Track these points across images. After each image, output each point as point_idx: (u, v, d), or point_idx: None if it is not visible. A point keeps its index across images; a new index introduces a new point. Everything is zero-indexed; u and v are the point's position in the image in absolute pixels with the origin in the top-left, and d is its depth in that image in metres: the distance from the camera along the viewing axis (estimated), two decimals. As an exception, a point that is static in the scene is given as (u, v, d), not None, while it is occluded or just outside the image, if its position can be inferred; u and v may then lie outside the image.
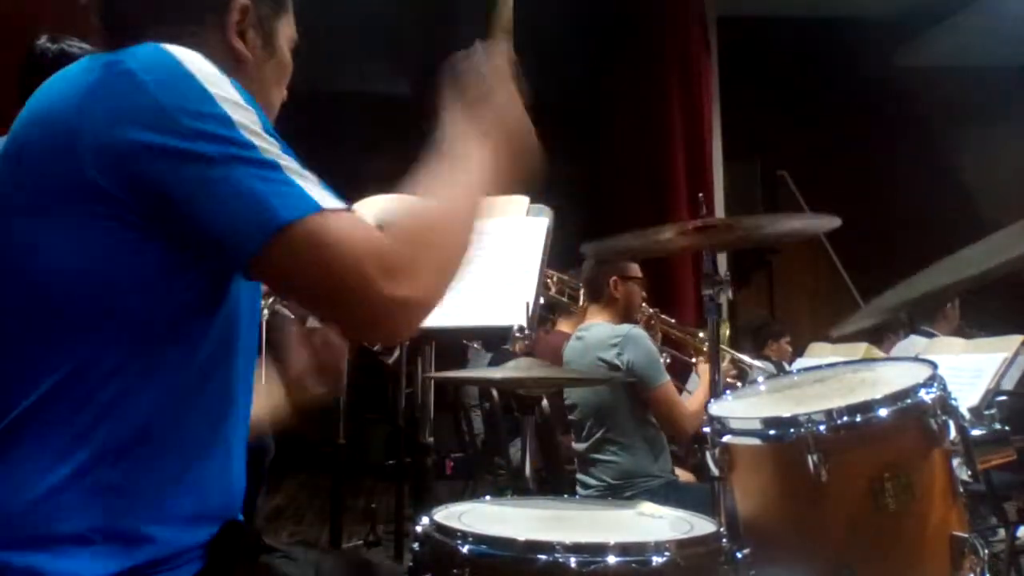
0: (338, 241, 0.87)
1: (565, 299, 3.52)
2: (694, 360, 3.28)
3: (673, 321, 3.47)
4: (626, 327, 2.87)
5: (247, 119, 0.91)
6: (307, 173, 0.92)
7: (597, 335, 2.88)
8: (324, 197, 0.90)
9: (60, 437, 0.89)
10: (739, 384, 3.81)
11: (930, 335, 3.86)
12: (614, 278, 2.99)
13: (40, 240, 0.91)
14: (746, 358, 3.61)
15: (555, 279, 3.43)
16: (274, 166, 0.89)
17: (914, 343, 3.73)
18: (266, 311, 4.23)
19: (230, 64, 1.05)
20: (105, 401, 0.90)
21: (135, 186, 0.88)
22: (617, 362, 2.76)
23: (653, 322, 3.24)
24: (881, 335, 4.01)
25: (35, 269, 0.91)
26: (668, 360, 3.07)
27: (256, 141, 0.89)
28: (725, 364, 3.57)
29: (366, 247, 0.88)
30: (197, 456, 0.97)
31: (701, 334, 3.37)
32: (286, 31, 1.14)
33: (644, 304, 3.19)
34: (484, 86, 1.15)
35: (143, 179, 0.88)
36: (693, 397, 2.90)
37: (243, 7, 1.07)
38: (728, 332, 3.41)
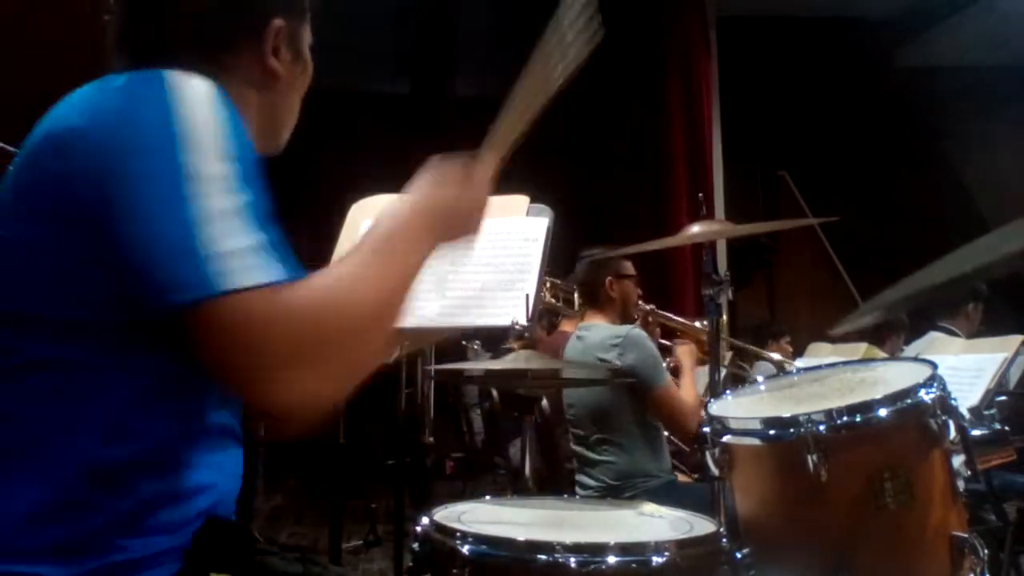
0: (236, 326, 0.84)
1: (560, 303, 3.52)
2: (671, 342, 3.24)
3: (670, 315, 3.46)
4: (626, 328, 2.87)
5: (211, 170, 0.88)
6: (249, 235, 0.87)
7: (597, 336, 2.88)
8: (238, 269, 0.85)
9: (35, 448, 0.89)
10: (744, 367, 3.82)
11: (952, 332, 3.85)
12: (609, 278, 2.99)
13: (27, 242, 0.92)
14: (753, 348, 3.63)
15: (548, 286, 3.43)
16: (199, 237, 0.85)
17: (934, 340, 3.72)
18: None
19: (264, 83, 1.08)
20: (82, 409, 0.90)
21: (93, 206, 0.88)
22: (618, 363, 2.76)
23: (651, 318, 3.23)
24: (882, 335, 4.00)
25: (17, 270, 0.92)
26: (671, 364, 3.06)
27: (197, 203, 0.86)
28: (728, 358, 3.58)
29: (265, 336, 0.85)
30: (179, 464, 0.97)
31: (698, 324, 3.37)
32: (307, 37, 1.16)
33: (640, 301, 3.18)
34: (453, 188, 1.12)
35: (95, 203, 0.88)
36: (684, 391, 2.88)
37: (278, 28, 1.08)
38: (725, 318, 3.39)
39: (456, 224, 1.12)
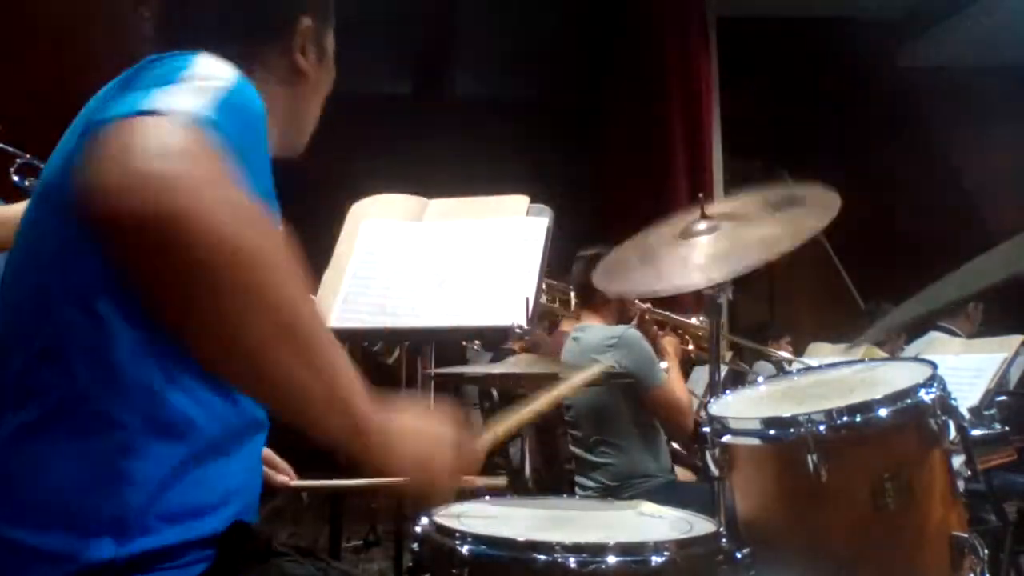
0: (134, 129, 0.75)
1: (556, 305, 3.51)
2: (657, 330, 3.24)
3: (667, 314, 3.45)
4: (620, 329, 2.87)
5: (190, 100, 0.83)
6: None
7: (592, 337, 2.88)
8: (167, 102, 0.79)
9: (67, 425, 0.89)
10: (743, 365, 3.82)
11: (952, 332, 3.85)
12: (605, 279, 2.98)
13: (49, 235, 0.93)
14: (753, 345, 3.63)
15: (544, 287, 3.43)
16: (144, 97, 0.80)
17: (934, 340, 3.72)
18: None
19: (292, 81, 1.10)
20: (111, 390, 0.90)
21: None
22: (613, 364, 2.76)
23: (647, 317, 3.22)
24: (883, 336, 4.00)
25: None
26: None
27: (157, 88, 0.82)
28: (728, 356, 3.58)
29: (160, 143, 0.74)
30: (204, 449, 0.96)
31: (695, 320, 3.37)
32: (331, 39, 1.19)
33: (636, 300, 3.18)
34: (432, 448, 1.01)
35: None
36: (675, 387, 2.87)
37: (307, 27, 1.10)
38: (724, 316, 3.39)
39: (406, 454, 0.98)
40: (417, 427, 1.00)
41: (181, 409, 0.92)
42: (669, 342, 3.08)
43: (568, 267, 3.29)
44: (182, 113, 0.78)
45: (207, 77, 0.88)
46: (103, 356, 0.89)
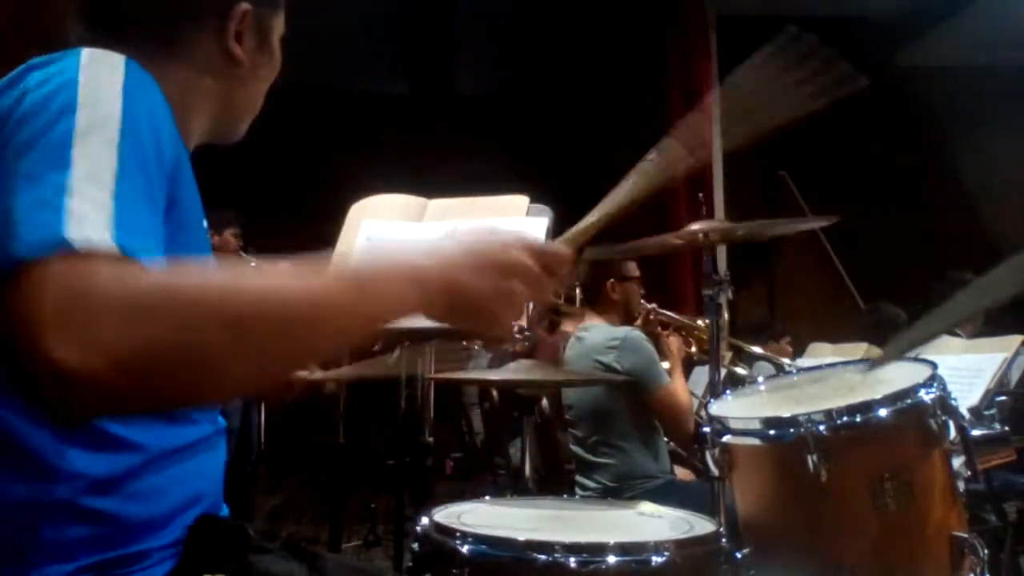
0: (47, 281, 0.68)
1: (562, 301, 3.51)
2: (661, 330, 3.24)
3: (672, 315, 3.46)
4: (624, 330, 2.86)
5: (93, 142, 0.78)
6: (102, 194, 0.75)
7: (596, 338, 2.88)
8: (81, 229, 0.71)
9: (23, 448, 0.88)
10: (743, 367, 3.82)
11: (953, 333, 3.85)
12: (611, 280, 2.98)
13: None
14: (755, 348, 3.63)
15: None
16: (62, 167, 0.75)
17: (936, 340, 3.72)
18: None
19: (224, 68, 1.04)
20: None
21: None
22: (615, 365, 2.75)
23: (652, 317, 3.22)
24: (882, 335, 4.00)
25: None
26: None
27: (77, 139, 0.77)
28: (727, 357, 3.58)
29: (74, 296, 0.67)
30: (162, 458, 0.96)
31: (700, 322, 3.37)
32: (278, 28, 1.13)
33: (642, 301, 3.18)
34: (485, 277, 0.84)
35: None
36: (678, 388, 2.88)
37: (244, 12, 1.05)
38: (727, 317, 3.39)
39: (461, 303, 0.84)
40: (474, 254, 0.85)
41: (114, 432, 0.91)
42: (672, 342, 3.07)
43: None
44: (94, 253, 0.70)
45: (95, 108, 0.81)
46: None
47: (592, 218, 1.07)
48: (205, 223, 1.04)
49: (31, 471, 0.88)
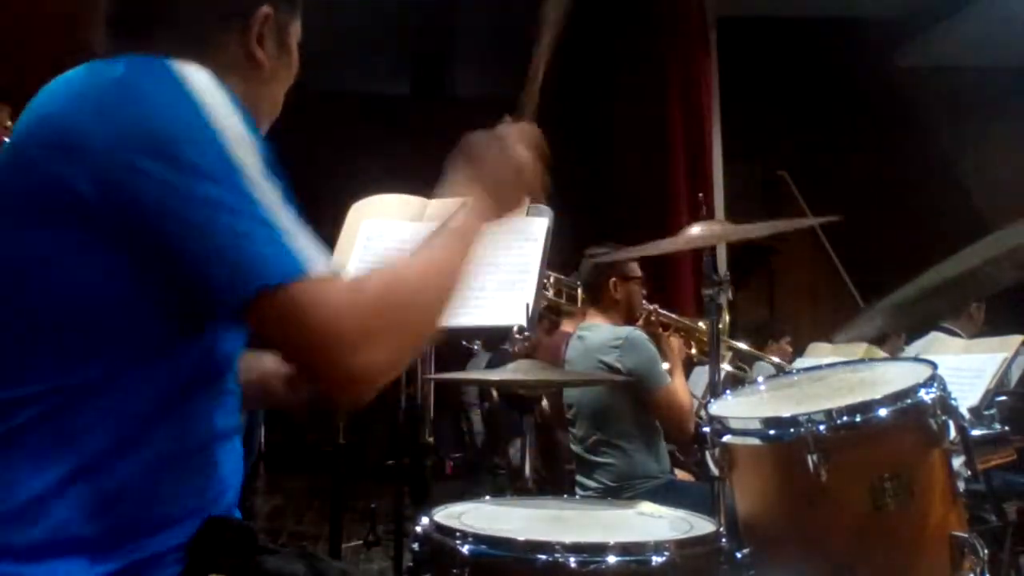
0: (314, 309, 0.88)
1: (563, 300, 3.51)
2: (662, 331, 3.24)
3: (673, 316, 3.46)
4: (626, 330, 2.86)
5: (250, 160, 0.90)
6: (297, 227, 0.91)
7: (598, 337, 2.88)
8: (310, 258, 0.90)
9: (44, 446, 0.89)
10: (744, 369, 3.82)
11: (953, 333, 3.85)
12: (613, 280, 2.98)
13: (26, 250, 0.91)
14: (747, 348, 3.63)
15: (551, 280, 3.43)
16: (268, 224, 0.88)
17: (935, 340, 3.72)
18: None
19: (246, 70, 1.06)
20: (89, 412, 0.90)
21: (127, 210, 0.88)
22: (617, 365, 2.75)
23: (653, 318, 3.22)
24: (883, 336, 4.00)
25: (20, 279, 0.91)
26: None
27: (255, 193, 0.89)
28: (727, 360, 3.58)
29: (339, 317, 0.89)
30: (181, 465, 0.97)
31: (701, 324, 3.37)
32: (295, 32, 1.15)
33: (644, 301, 3.18)
34: (487, 148, 1.16)
35: (137, 205, 0.87)
36: (679, 390, 2.88)
37: (266, 15, 1.07)
38: (728, 318, 3.40)
39: (503, 193, 1.14)
40: (479, 173, 1.14)
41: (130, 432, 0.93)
42: (673, 342, 3.07)
43: (568, 268, 3.29)
44: (324, 274, 0.91)
45: (216, 108, 0.91)
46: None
47: (532, 80, 1.31)
48: None
49: (45, 470, 0.88)
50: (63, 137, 0.90)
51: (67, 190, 0.88)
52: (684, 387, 2.92)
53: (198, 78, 0.92)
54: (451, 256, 1.04)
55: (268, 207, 0.89)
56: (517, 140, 1.18)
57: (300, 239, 0.90)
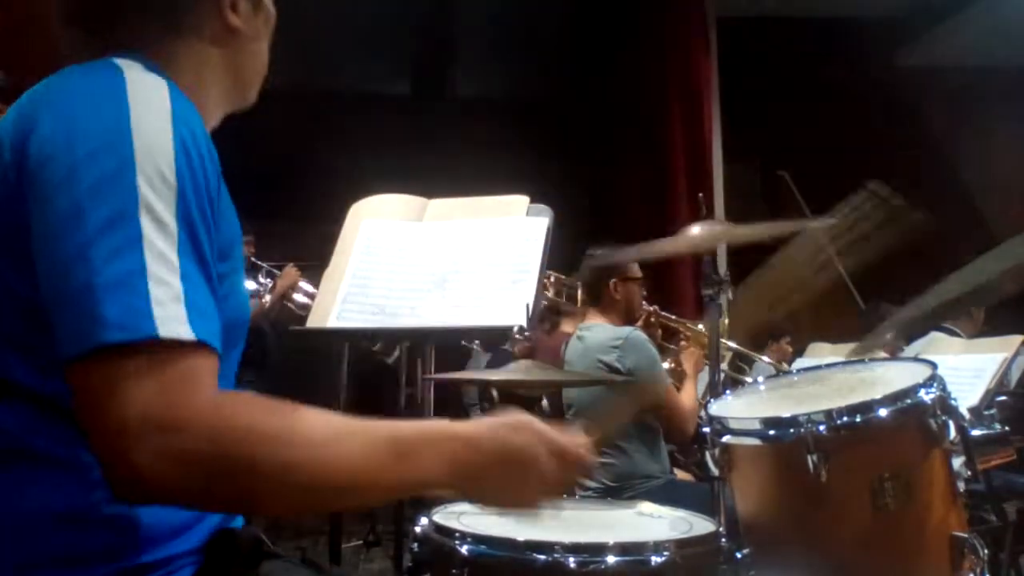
0: (136, 380, 0.76)
1: (563, 299, 3.52)
2: (676, 346, 3.25)
3: (673, 317, 3.46)
4: (626, 330, 2.86)
5: (158, 194, 0.81)
6: (189, 279, 0.81)
7: (598, 337, 2.88)
8: (170, 318, 0.78)
9: (43, 457, 0.88)
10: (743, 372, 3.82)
11: (953, 333, 3.85)
12: (613, 280, 2.98)
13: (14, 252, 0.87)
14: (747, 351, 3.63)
15: (552, 279, 3.43)
16: (138, 273, 0.78)
17: (935, 340, 3.73)
18: (266, 325, 4.23)
19: (227, 40, 1.04)
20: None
21: (14, 217, 0.85)
22: (617, 365, 2.75)
23: (653, 319, 3.23)
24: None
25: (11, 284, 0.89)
26: (670, 365, 3.06)
27: (145, 230, 0.80)
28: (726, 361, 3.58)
29: (147, 404, 0.75)
30: None
31: (701, 326, 3.37)
32: None
33: (643, 302, 3.18)
34: (534, 459, 0.95)
35: (21, 216, 0.84)
36: (685, 395, 2.88)
37: None
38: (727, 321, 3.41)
39: (499, 495, 0.97)
40: (503, 454, 0.94)
41: None
42: (690, 355, 3.06)
43: (568, 268, 3.30)
44: (179, 352, 0.78)
45: (150, 158, 0.83)
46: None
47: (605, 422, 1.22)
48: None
49: (51, 479, 0.88)
50: (36, 150, 0.86)
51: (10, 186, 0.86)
52: (693, 394, 2.92)
53: (146, 95, 0.87)
54: (368, 466, 0.85)
55: (146, 261, 0.79)
56: (568, 469, 0.98)
57: (172, 295, 0.79)
